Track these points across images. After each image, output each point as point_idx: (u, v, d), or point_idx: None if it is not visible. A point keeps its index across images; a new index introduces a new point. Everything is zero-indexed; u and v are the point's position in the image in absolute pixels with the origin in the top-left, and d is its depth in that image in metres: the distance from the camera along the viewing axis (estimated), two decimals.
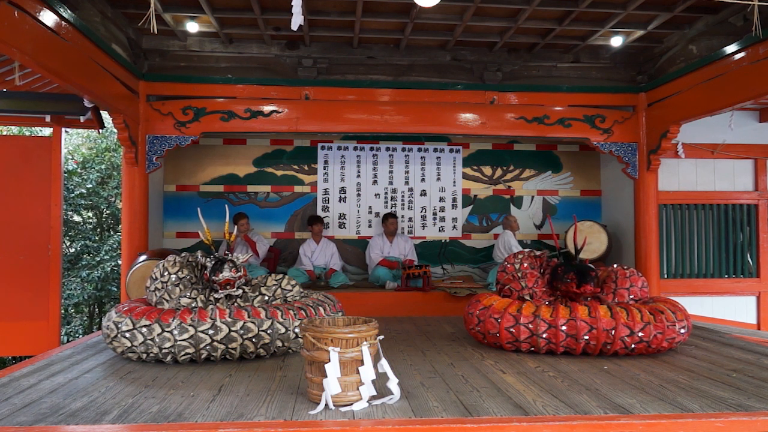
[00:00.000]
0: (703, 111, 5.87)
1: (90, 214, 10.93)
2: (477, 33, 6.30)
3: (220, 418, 2.72)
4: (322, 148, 7.86)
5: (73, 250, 10.29)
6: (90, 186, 10.20)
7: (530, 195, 8.07)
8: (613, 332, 4.02)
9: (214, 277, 4.14)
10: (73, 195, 10.02)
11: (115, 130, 6.85)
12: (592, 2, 5.33)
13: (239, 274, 4.20)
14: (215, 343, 3.84)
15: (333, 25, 6.08)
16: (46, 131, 9.36)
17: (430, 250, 7.92)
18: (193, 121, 6.38)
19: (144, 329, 3.83)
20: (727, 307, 7.21)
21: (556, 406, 2.90)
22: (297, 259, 7.34)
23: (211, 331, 3.83)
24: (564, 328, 4.07)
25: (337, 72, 6.75)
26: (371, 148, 7.93)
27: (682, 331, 4.21)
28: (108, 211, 10.80)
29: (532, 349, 4.21)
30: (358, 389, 2.88)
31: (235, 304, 4.22)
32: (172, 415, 2.76)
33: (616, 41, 6.32)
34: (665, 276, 7.12)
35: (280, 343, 4.02)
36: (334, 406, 2.83)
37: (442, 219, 8.00)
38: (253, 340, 3.92)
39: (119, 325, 3.91)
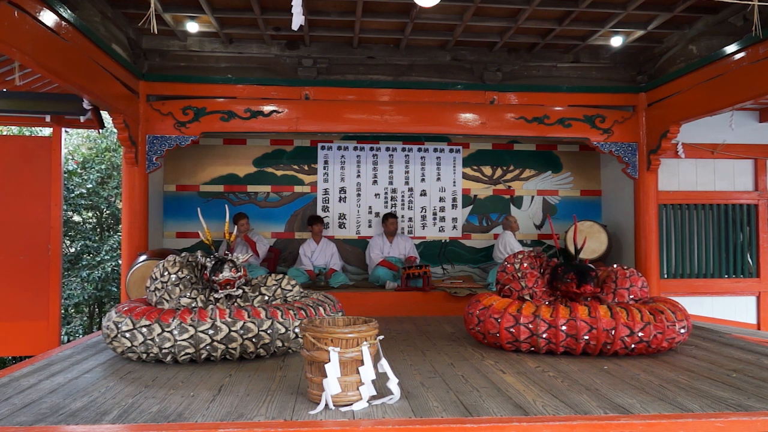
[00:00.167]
0: (703, 111, 5.87)
1: (90, 214, 10.93)
2: (477, 33, 6.30)
3: (220, 418, 2.72)
4: (322, 148, 7.86)
5: (73, 250, 10.29)
6: (90, 186, 10.20)
7: (530, 195, 8.07)
8: (613, 332, 4.02)
9: (214, 277, 4.14)
10: (73, 195, 10.02)
11: (115, 130, 6.85)
12: (592, 2, 5.33)
13: (239, 274, 4.20)
14: (215, 343, 3.84)
15: (333, 25, 6.08)
16: (46, 131, 9.36)
17: (430, 250, 7.92)
18: (193, 121, 6.38)
19: (144, 329, 3.83)
20: (727, 307, 7.21)
21: (556, 406, 2.90)
22: (297, 259, 7.34)
23: (211, 331, 3.83)
24: (564, 328, 4.07)
25: (337, 72, 6.75)
26: (371, 148, 7.93)
27: (682, 331, 4.21)
28: (108, 211, 10.79)
29: (532, 349, 4.21)
30: (358, 389, 2.88)
31: (235, 304, 4.22)
32: (172, 415, 2.76)
33: (616, 41, 6.32)
34: (665, 276, 7.12)
35: (280, 343, 4.02)
36: (334, 406, 2.83)
37: (442, 219, 8.00)
38: (253, 340, 3.92)
39: (119, 325, 3.91)
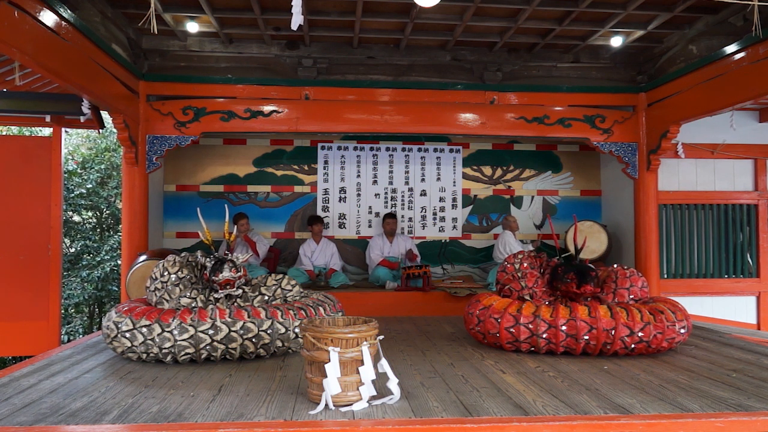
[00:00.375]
0: (703, 111, 5.87)
1: (90, 214, 10.93)
2: (477, 33, 6.30)
3: (220, 418, 2.72)
4: (322, 148, 7.86)
5: (73, 250, 10.28)
6: (90, 186, 10.19)
7: (530, 195, 8.07)
8: (613, 332, 4.02)
9: (214, 277, 4.14)
10: (73, 195, 10.02)
11: (115, 130, 6.85)
12: (592, 2, 5.33)
13: (239, 274, 4.20)
14: (215, 343, 3.84)
15: (333, 25, 6.08)
16: (46, 131, 9.36)
17: (430, 250, 7.91)
18: (193, 121, 6.38)
19: (144, 329, 3.83)
20: (727, 307, 7.21)
21: (556, 406, 2.90)
22: (297, 259, 7.34)
23: (211, 331, 3.83)
24: (564, 328, 4.07)
25: (337, 72, 6.76)
26: (371, 148, 7.93)
27: (682, 331, 4.21)
28: (108, 211, 10.79)
29: (532, 349, 4.21)
30: (358, 389, 2.88)
31: (235, 304, 4.22)
32: (172, 415, 2.76)
33: (616, 41, 6.33)
34: (665, 276, 7.12)
35: (280, 343, 4.02)
36: (334, 406, 2.83)
37: (442, 219, 8.00)
38: (253, 340, 3.92)
39: (119, 325, 3.91)
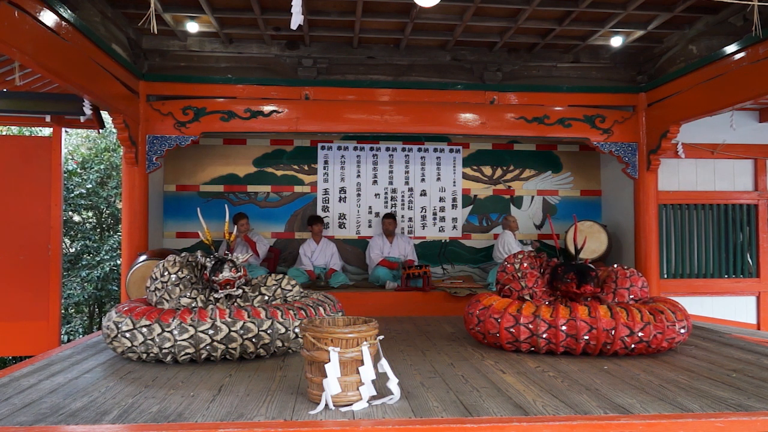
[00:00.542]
0: (703, 111, 5.87)
1: (90, 214, 10.93)
2: (477, 33, 6.30)
3: (220, 418, 2.72)
4: (322, 148, 7.86)
5: (73, 250, 10.28)
6: (90, 186, 10.20)
7: (530, 195, 8.07)
8: (613, 332, 4.02)
9: (214, 277, 4.14)
10: (72, 195, 10.02)
11: (114, 130, 6.85)
12: (592, 2, 5.33)
13: (239, 274, 4.20)
14: (215, 343, 3.84)
15: (333, 25, 6.08)
16: (46, 131, 9.36)
17: (430, 250, 7.92)
18: (193, 121, 6.38)
19: (144, 329, 3.83)
20: (727, 307, 7.21)
21: (556, 406, 2.90)
22: (297, 259, 7.34)
23: (211, 331, 3.83)
24: (564, 328, 4.07)
25: (337, 72, 6.76)
26: (371, 148, 7.93)
27: (682, 331, 4.21)
28: (108, 211, 10.79)
29: (532, 349, 4.21)
30: (358, 389, 2.88)
31: (235, 304, 4.22)
32: (172, 415, 2.76)
33: (616, 41, 6.33)
34: (665, 276, 7.12)
35: (280, 343, 4.02)
36: (334, 406, 2.83)
37: (442, 219, 8.00)
38: (253, 340, 3.92)
39: (119, 325, 3.91)
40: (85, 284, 9.81)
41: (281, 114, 6.50)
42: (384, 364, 2.98)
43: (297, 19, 3.62)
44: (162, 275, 4.18)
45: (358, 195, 7.92)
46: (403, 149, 7.97)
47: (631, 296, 4.46)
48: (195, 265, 4.36)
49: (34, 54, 4.01)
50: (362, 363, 2.90)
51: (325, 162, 7.87)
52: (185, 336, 3.79)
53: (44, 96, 6.31)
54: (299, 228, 7.79)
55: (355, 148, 7.91)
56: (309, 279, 6.93)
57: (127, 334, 3.86)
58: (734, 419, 2.70)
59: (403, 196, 7.98)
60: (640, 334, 4.03)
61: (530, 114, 6.71)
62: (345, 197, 7.89)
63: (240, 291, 4.25)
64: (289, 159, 7.82)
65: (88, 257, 10.11)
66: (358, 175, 7.92)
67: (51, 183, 6.68)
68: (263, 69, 6.67)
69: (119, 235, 9.79)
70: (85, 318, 10.68)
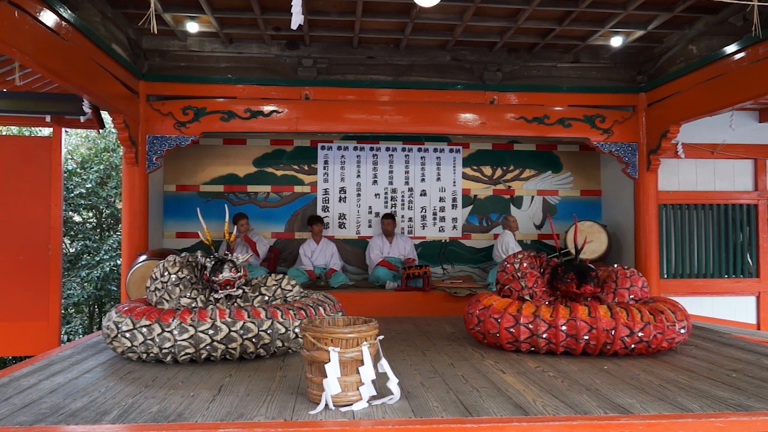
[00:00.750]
0: (703, 111, 5.87)
1: (90, 214, 10.93)
2: (477, 33, 6.30)
3: (220, 418, 2.72)
4: (322, 148, 7.86)
5: (73, 250, 10.29)
6: (89, 186, 10.20)
7: (530, 195, 8.07)
8: (613, 332, 4.02)
9: (214, 278, 4.14)
10: (72, 195, 10.02)
11: (114, 130, 6.85)
12: (592, 2, 5.33)
13: (239, 274, 4.20)
14: (215, 343, 3.84)
15: (333, 25, 6.08)
16: (46, 131, 9.36)
17: (430, 250, 7.92)
18: (193, 121, 6.38)
19: (144, 329, 3.83)
20: (727, 307, 7.21)
21: (556, 406, 2.90)
22: (297, 259, 7.34)
23: (211, 331, 3.83)
24: (564, 328, 4.07)
25: (337, 72, 6.76)
26: (371, 148, 7.93)
27: (682, 331, 4.21)
28: (108, 211, 10.80)
29: (532, 349, 4.21)
30: (358, 389, 2.88)
31: (235, 304, 4.22)
32: (172, 415, 2.76)
33: (616, 41, 6.33)
34: (665, 276, 7.12)
35: (280, 343, 4.02)
36: (334, 406, 2.83)
37: (442, 219, 8.00)
38: (253, 340, 3.92)
39: (119, 325, 3.91)
40: (85, 284, 9.81)
41: (281, 114, 6.50)
42: (384, 364, 2.98)
43: (297, 19, 3.62)
44: (162, 275, 4.18)
45: (358, 195, 7.92)
46: (403, 149, 7.97)
47: (631, 296, 4.46)
48: (195, 265, 4.36)
49: (34, 54, 4.01)
50: (362, 363, 2.90)
51: (325, 162, 7.87)
52: (185, 336, 3.79)
53: (44, 96, 6.32)
54: (299, 228, 7.79)
55: (355, 148, 7.91)
56: (309, 279, 6.93)
57: (127, 334, 3.86)
58: (734, 419, 2.70)
59: (403, 196, 7.98)
60: (640, 334, 4.03)
61: (530, 114, 6.71)
62: (345, 197, 7.90)
63: (240, 291, 4.26)
64: (289, 159, 7.82)
65: (88, 257, 10.12)
66: (358, 175, 7.92)
67: (51, 183, 6.68)
68: (263, 69, 6.68)
69: (119, 235, 9.79)
70: (85, 318, 10.69)
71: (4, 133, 9.99)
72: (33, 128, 10.40)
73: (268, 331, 3.95)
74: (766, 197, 7.35)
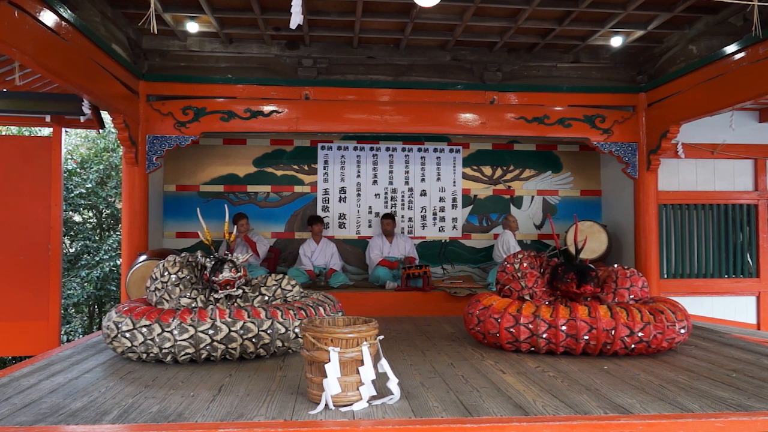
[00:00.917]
0: (703, 111, 5.87)
1: (90, 214, 10.93)
2: (477, 33, 6.30)
3: (220, 418, 2.72)
4: (322, 148, 7.86)
5: (73, 250, 10.29)
6: (89, 186, 10.20)
7: (530, 195, 8.07)
8: (613, 332, 4.02)
9: (214, 278, 4.14)
10: (72, 195, 10.02)
11: (114, 130, 6.85)
12: (592, 2, 5.33)
13: (239, 274, 4.20)
14: (215, 343, 3.84)
15: (333, 25, 6.08)
16: (46, 131, 9.36)
17: (430, 250, 7.92)
18: (193, 121, 6.38)
19: (144, 329, 3.83)
20: (727, 307, 7.21)
21: (556, 406, 2.90)
22: (297, 259, 7.34)
23: (211, 331, 3.83)
24: (564, 328, 4.07)
25: (337, 72, 6.76)
26: (371, 148, 7.93)
27: (682, 331, 4.21)
28: (108, 211, 10.80)
29: (532, 349, 4.21)
30: (358, 389, 2.88)
31: (235, 304, 4.22)
32: (172, 415, 2.76)
33: (616, 41, 6.33)
34: (665, 276, 7.12)
35: (280, 343, 4.02)
36: (334, 406, 2.83)
37: (442, 219, 8.00)
38: (253, 340, 3.92)
39: (119, 325, 3.91)
40: (85, 284, 9.81)
41: (281, 114, 6.50)
42: (384, 364, 2.98)
43: (297, 19, 3.62)
44: (162, 275, 4.18)
45: (358, 195, 7.92)
46: (403, 149, 7.97)
47: (631, 296, 4.46)
48: (195, 266, 4.36)
49: (34, 54, 4.01)
50: (362, 363, 2.90)
51: (325, 162, 7.87)
52: (185, 336, 3.79)
53: (44, 96, 6.32)
54: (299, 228, 7.79)
55: (355, 148, 7.91)
56: (309, 279, 6.93)
57: (127, 334, 3.86)
58: (734, 419, 2.70)
59: (403, 196, 7.98)
60: (640, 334, 4.03)
61: (530, 114, 6.71)
62: (345, 197, 7.90)
63: (240, 291, 4.26)
64: (289, 159, 7.82)
65: (88, 257, 10.12)
66: (358, 175, 7.92)
67: (51, 183, 6.68)
68: (263, 69, 6.67)
69: (119, 235, 9.80)
70: (85, 318, 10.69)
71: (4, 133, 9.99)
72: (33, 128, 10.40)
73: (268, 331, 3.95)
74: (766, 197, 7.35)
